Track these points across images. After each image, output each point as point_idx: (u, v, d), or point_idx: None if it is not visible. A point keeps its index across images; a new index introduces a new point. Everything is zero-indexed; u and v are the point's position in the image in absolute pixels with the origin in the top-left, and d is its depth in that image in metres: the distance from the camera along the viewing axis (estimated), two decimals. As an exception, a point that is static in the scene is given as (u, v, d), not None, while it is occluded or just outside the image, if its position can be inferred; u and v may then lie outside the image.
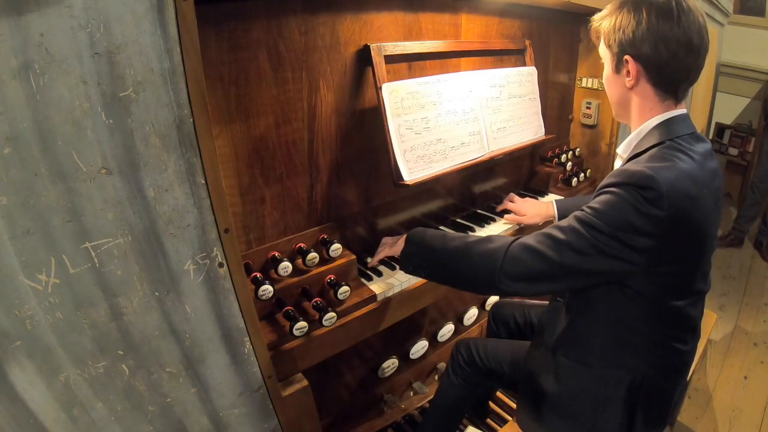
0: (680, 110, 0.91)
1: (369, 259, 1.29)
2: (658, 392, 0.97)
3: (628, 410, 0.97)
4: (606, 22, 0.92)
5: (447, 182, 1.50)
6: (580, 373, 1.00)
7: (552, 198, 1.73)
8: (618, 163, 1.01)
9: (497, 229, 1.47)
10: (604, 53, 0.96)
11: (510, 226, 1.48)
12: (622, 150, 0.98)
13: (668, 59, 0.85)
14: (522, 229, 1.51)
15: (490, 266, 0.90)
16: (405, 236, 1.09)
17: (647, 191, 0.78)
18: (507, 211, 1.55)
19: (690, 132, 0.89)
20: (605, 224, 0.81)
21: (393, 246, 1.15)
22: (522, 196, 1.74)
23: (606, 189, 0.84)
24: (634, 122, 0.95)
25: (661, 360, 0.95)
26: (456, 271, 0.98)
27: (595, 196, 0.86)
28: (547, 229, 0.89)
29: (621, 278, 0.86)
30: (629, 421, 0.98)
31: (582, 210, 0.86)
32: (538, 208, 1.49)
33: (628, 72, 0.90)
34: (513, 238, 0.92)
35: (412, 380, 1.71)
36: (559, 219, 1.42)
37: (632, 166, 0.83)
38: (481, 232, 1.46)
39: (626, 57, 0.89)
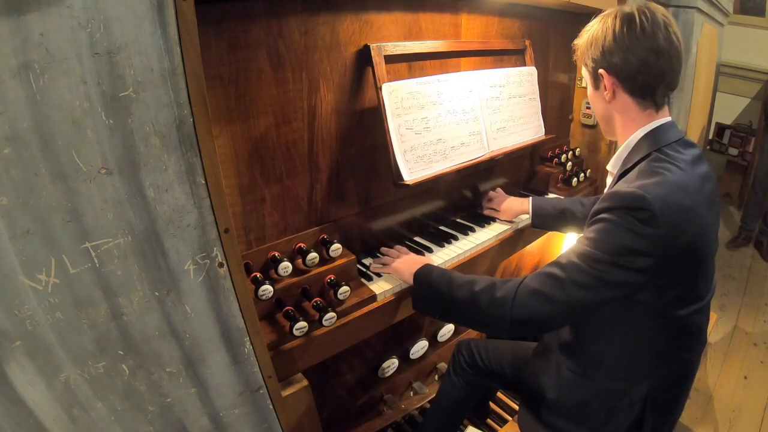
0: (664, 118, 0.91)
1: (369, 260, 1.29)
2: (664, 401, 0.97)
3: (634, 419, 0.97)
4: (582, 41, 0.96)
5: (447, 182, 1.50)
6: (584, 384, 1.00)
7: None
8: (609, 180, 1.02)
9: (498, 228, 1.47)
10: (584, 72, 0.98)
11: (508, 227, 1.48)
12: (612, 166, 0.99)
13: (638, 67, 0.86)
14: (521, 231, 1.51)
15: (501, 315, 0.90)
16: (412, 266, 1.10)
17: (640, 212, 0.77)
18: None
19: (676, 139, 0.89)
20: (603, 253, 0.81)
21: (397, 266, 1.16)
22: (522, 196, 1.75)
23: (599, 216, 0.84)
24: (620, 137, 0.96)
25: (668, 370, 0.94)
26: (467, 319, 1.02)
27: (589, 224, 0.86)
28: (549, 268, 0.88)
29: (626, 297, 0.86)
30: (636, 428, 0.98)
31: (579, 242, 0.86)
32: (512, 204, 1.50)
33: (605, 86, 0.91)
34: (517, 282, 0.91)
35: (412, 380, 1.71)
36: (534, 217, 1.44)
37: (622, 186, 0.83)
38: (481, 232, 1.46)
39: (600, 71, 0.91)
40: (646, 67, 0.86)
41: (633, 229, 0.78)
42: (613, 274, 0.81)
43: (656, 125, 0.90)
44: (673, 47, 0.86)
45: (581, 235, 0.88)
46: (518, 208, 1.48)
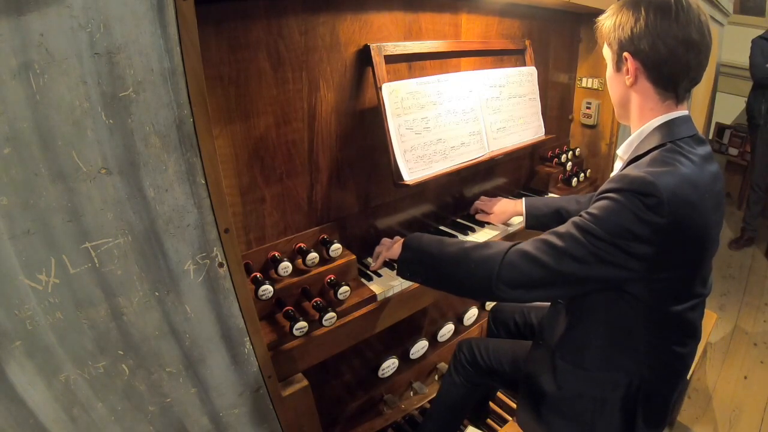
0: (682, 111, 0.90)
1: (369, 259, 1.29)
2: (656, 394, 0.97)
3: (626, 412, 0.97)
4: (608, 21, 0.93)
5: (447, 182, 1.50)
6: (578, 375, 1.00)
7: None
8: (618, 165, 1.01)
9: (498, 228, 1.47)
10: (606, 52, 0.96)
11: (508, 226, 1.48)
12: (623, 151, 0.97)
13: (666, 57, 0.84)
14: (521, 230, 1.51)
15: (487, 273, 0.89)
16: (402, 240, 1.09)
17: (648, 198, 0.77)
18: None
19: (691, 134, 0.88)
20: (604, 231, 0.80)
21: (390, 249, 1.15)
22: (522, 196, 1.75)
23: (605, 195, 0.83)
24: (634, 123, 0.95)
25: (660, 363, 0.94)
26: (452, 278, 0.98)
27: (595, 201, 0.85)
28: (545, 235, 0.88)
29: (619, 284, 0.86)
30: (628, 422, 0.98)
31: (580, 216, 0.85)
32: (505, 206, 1.47)
33: (628, 70, 0.89)
34: (511, 244, 0.91)
35: (412, 380, 1.71)
36: (528, 217, 1.41)
37: (632, 171, 0.82)
38: (481, 232, 1.46)
39: (625, 54, 0.89)
40: (674, 59, 0.84)
41: (638, 213, 0.77)
42: (610, 253, 0.80)
43: (673, 117, 0.89)
44: (704, 41, 0.84)
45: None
46: (511, 209, 1.45)
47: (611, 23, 0.91)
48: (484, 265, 0.90)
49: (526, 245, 0.88)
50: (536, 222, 1.42)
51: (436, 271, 1.00)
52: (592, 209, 0.84)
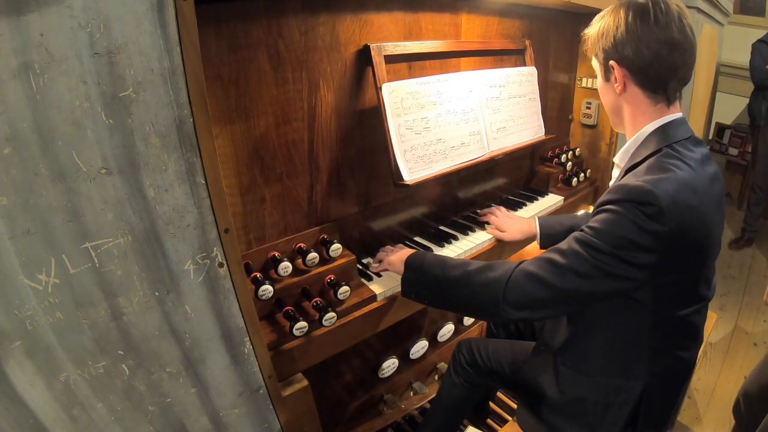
0: (675, 114, 0.90)
1: (369, 260, 1.29)
2: (660, 398, 0.97)
3: (629, 417, 0.97)
4: (592, 33, 0.94)
5: (447, 182, 1.50)
6: (581, 380, 1.00)
7: (551, 198, 1.73)
8: (616, 173, 1.01)
9: (497, 229, 1.47)
10: (595, 64, 0.97)
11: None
12: (620, 159, 0.97)
13: (651, 59, 0.84)
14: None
15: (493, 295, 0.89)
16: (404, 256, 1.08)
17: (647, 207, 0.76)
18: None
19: (687, 136, 0.88)
20: (606, 244, 0.80)
21: (391, 259, 1.15)
22: (522, 196, 1.75)
23: (605, 207, 0.83)
24: (629, 130, 0.95)
25: (663, 368, 0.94)
26: (458, 301, 0.98)
27: (594, 214, 0.85)
28: (548, 253, 0.87)
29: (624, 294, 0.85)
30: (631, 426, 0.98)
31: (581, 230, 0.85)
32: (519, 225, 1.43)
33: (616, 78, 0.90)
34: (514, 264, 0.90)
35: (412, 380, 1.71)
36: (542, 237, 1.38)
37: (630, 180, 0.82)
38: (481, 232, 1.46)
39: (611, 63, 0.89)
40: (659, 60, 0.84)
41: (638, 223, 0.77)
42: (614, 266, 0.80)
43: (667, 120, 0.89)
44: (687, 40, 0.84)
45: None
46: (525, 229, 1.41)
47: (595, 34, 0.92)
48: (489, 288, 0.90)
49: (530, 265, 0.88)
50: (551, 241, 1.39)
51: (441, 294, 1.00)
52: (593, 222, 0.83)
